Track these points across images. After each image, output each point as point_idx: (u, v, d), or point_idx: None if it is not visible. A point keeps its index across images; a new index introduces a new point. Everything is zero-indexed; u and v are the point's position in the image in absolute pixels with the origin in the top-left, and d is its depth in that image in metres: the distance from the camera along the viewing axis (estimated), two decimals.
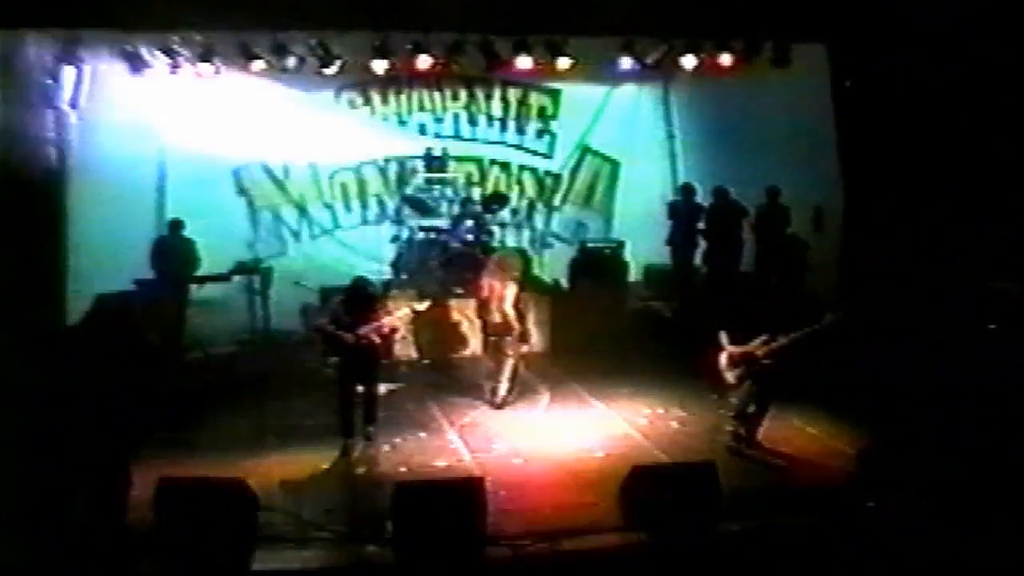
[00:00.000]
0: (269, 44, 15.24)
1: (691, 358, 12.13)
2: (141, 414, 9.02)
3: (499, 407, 12.75)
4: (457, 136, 17.66)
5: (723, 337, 10.99)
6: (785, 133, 16.93)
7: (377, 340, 11.30)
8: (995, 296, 12.65)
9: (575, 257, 17.04)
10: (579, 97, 17.72)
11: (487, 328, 13.21)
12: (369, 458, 11.00)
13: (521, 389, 13.17)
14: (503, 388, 12.85)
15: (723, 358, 11.02)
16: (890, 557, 8.55)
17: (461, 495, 9.17)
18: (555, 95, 17.82)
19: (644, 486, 9.37)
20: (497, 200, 17.00)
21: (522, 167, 18.07)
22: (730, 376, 11.05)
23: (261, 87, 15.98)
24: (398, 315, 12.23)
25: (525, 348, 13.43)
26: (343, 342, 11.08)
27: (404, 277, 15.70)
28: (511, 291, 12.87)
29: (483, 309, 13.13)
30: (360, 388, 11.20)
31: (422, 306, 12.70)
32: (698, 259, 17.07)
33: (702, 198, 16.96)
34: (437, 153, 17.19)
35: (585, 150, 18.09)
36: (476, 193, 17.32)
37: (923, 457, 9.95)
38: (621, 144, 18.00)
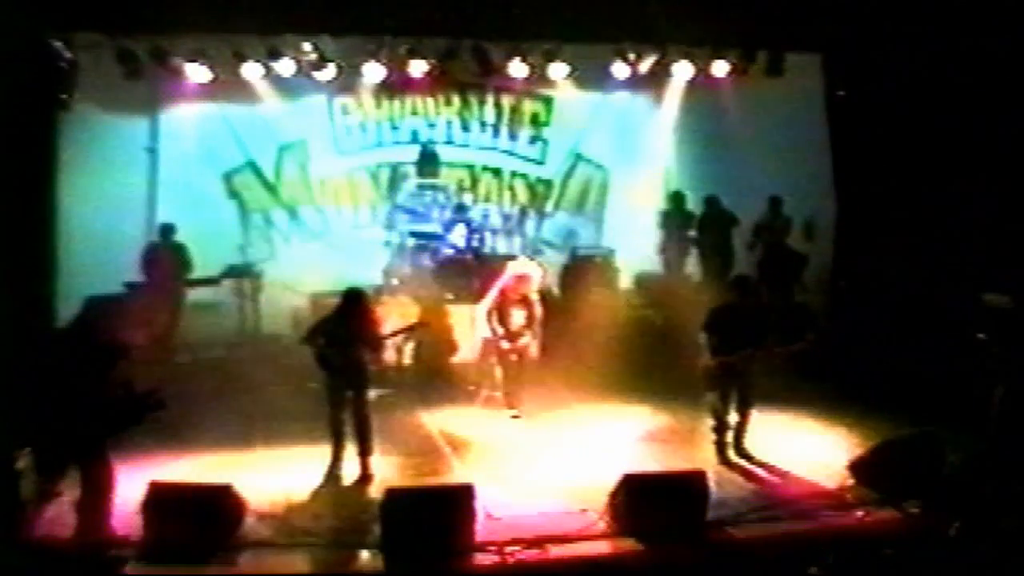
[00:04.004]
0: (263, 48, 15.23)
1: (682, 366, 12.14)
2: (128, 417, 8.96)
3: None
4: (449, 142, 17.62)
5: (703, 344, 10.99)
6: (777, 142, 16.94)
7: (369, 355, 11.24)
8: (987, 310, 12.65)
9: (566, 264, 17.00)
10: (572, 104, 17.68)
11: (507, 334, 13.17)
12: (359, 463, 10.95)
13: (512, 396, 13.17)
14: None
15: (701, 366, 11.03)
16: (882, 565, 8.55)
17: (450, 501, 9.17)
18: (548, 102, 17.78)
19: (634, 494, 9.38)
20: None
21: (514, 173, 18.02)
22: (707, 384, 11.07)
23: (254, 90, 15.92)
24: (398, 326, 12.23)
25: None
26: (336, 359, 10.89)
27: (395, 283, 15.65)
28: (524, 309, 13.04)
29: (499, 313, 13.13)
30: (349, 393, 11.07)
31: (413, 314, 12.70)
32: (689, 267, 17.10)
33: (693, 206, 16.98)
34: (431, 148, 17.18)
35: (577, 157, 18.05)
36: (468, 199, 17.29)
37: (916, 464, 9.99)
38: (613, 152, 17.97)
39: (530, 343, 13.28)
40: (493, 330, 13.08)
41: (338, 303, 11.25)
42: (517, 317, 13.05)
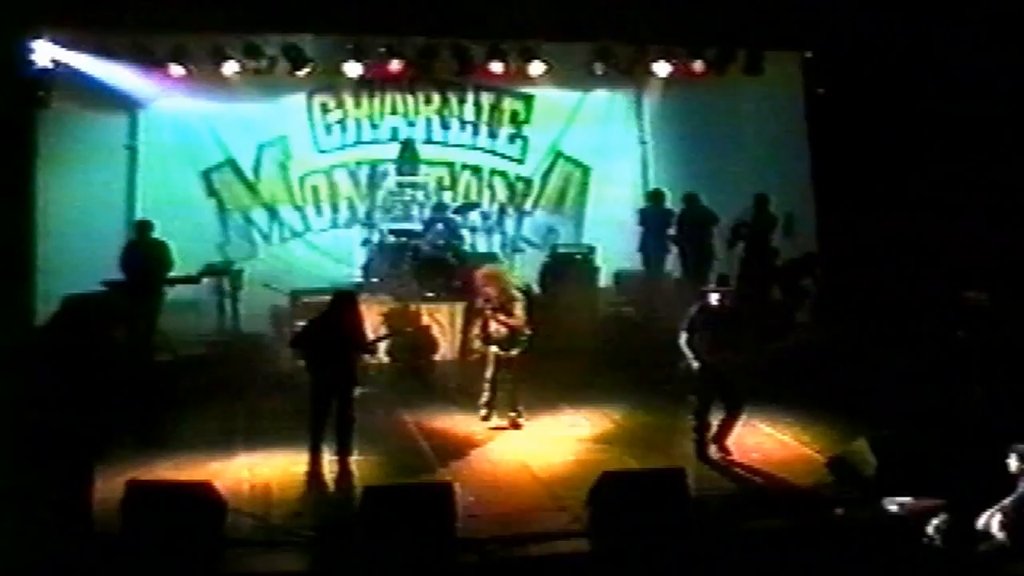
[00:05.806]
0: (242, 46, 15.21)
1: (661, 363, 12.16)
2: (108, 415, 8.94)
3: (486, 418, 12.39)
4: (429, 140, 17.61)
5: (683, 344, 10.99)
6: (757, 140, 17.02)
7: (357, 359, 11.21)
8: (965, 307, 12.73)
9: (546, 262, 16.99)
10: (552, 102, 17.69)
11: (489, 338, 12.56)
12: (338, 462, 10.92)
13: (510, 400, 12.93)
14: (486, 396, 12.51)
15: (683, 368, 11.04)
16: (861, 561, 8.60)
17: (429, 499, 9.16)
18: (528, 100, 17.78)
19: (613, 492, 9.38)
20: (469, 206, 17.08)
21: (493, 171, 18.00)
22: (690, 386, 11.08)
23: (234, 88, 15.90)
24: (377, 324, 12.13)
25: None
26: (324, 364, 10.76)
27: (375, 281, 15.64)
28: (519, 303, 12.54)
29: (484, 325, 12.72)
30: (334, 395, 10.95)
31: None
32: (669, 265, 17.11)
33: (673, 204, 17.01)
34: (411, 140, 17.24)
35: (557, 155, 18.05)
36: (447, 197, 17.29)
37: (894, 462, 10.02)
38: (593, 149, 17.98)
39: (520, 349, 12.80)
40: (483, 341, 12.63)
41: (327, 306, 11.19)
42: (501, 327, 12.49)
